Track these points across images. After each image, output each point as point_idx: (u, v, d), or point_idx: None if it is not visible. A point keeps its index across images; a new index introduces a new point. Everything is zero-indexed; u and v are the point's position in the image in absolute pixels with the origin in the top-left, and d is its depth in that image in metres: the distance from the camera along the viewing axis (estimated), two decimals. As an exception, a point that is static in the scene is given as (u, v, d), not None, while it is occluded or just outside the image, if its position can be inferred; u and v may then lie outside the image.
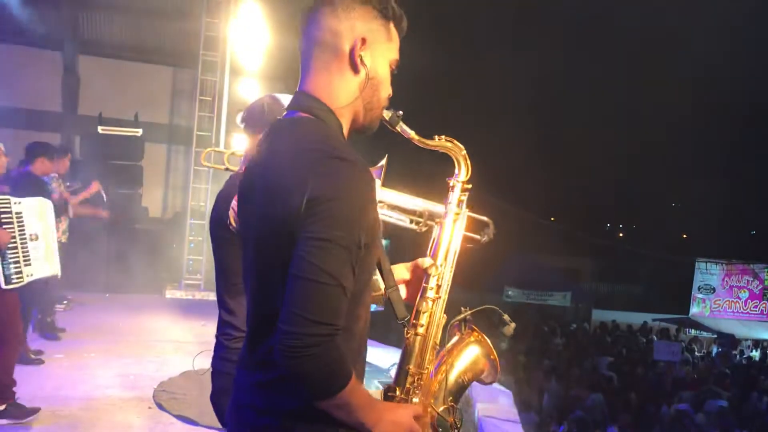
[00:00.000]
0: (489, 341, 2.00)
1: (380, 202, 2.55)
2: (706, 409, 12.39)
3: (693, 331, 22.49)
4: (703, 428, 11.29)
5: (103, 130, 11.43)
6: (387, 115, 1.86)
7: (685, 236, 37.32)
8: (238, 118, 2.74)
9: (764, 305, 22.72)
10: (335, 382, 1.50)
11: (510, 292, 24.48)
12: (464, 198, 2.02)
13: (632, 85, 30.74)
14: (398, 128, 1.91)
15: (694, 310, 22.92)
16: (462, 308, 2.02)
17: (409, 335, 1.87)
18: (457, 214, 2.00)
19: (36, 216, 5.01)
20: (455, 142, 2.02)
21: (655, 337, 20.55)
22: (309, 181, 1.50)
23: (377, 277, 1.83)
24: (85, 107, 12.92)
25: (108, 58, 13.28)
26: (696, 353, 19.60)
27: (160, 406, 5.19)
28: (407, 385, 1.82)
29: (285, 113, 1.74)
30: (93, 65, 13.11)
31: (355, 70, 1.69)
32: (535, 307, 24.26)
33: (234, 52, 11.74)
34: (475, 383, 2.06)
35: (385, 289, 1.84)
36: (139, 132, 11.68)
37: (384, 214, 2.68)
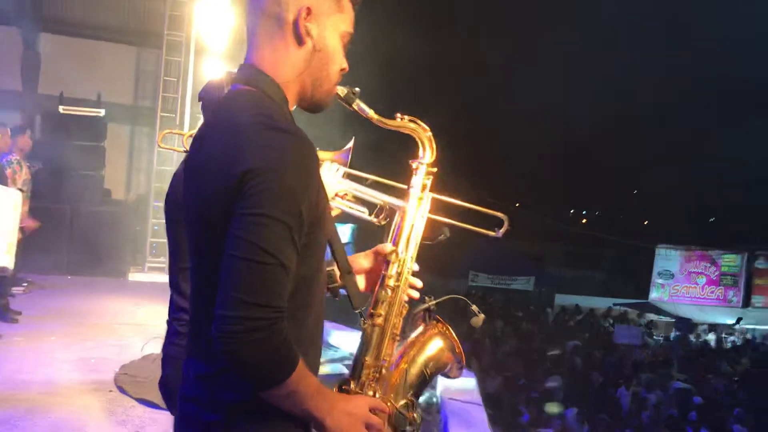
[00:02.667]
0: (453, 333, 1.91)
1: (340, 193, 2.51)
2: (664, 391, 12.71)
3: (652, 316, 22.99)
4: (660, 409, 11.59)
5: (64, 110, 11.21)
6: (342, 92, 1.77)
7: (646, 223, 38.02)
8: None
9: (721, 291, 23.33)
10: (280, 369, 1.40)
11: (475, 277, 24.72)
12: (428, 182, 1.91)
13: (595, 73, 31.05)
14: (355, 106, 1.82)
15: (654, 295, 23.44)
16: (426, 297, 1.92)
17: (366, 325, 1.76)
18: (420, 198, 1.89)
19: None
20: (419, 122, 1.90)
21: (611, 321, 20.94)
22: (246, 153, 1.39)
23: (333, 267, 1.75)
24: (46, 86, 12.62)
25: (70, 37, 12.97)
26: (655, 337, 20.07)
27: (122, 390, 5.15)
28: (362, 378, 1.72)
29: (230, 87, 1.62)
30: (54, 43, 12.80)
31: (300, 41, 1.58)
32: (500, 291, 24.55)
33: (199, 32, 11.56)
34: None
35: (342, 274, 1.74)
36: (102, 112, 11.48)
37: (344, 204, 2.63)
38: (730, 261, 23.54)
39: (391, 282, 1.80)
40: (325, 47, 1.61)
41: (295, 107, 1.65)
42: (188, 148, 1.64)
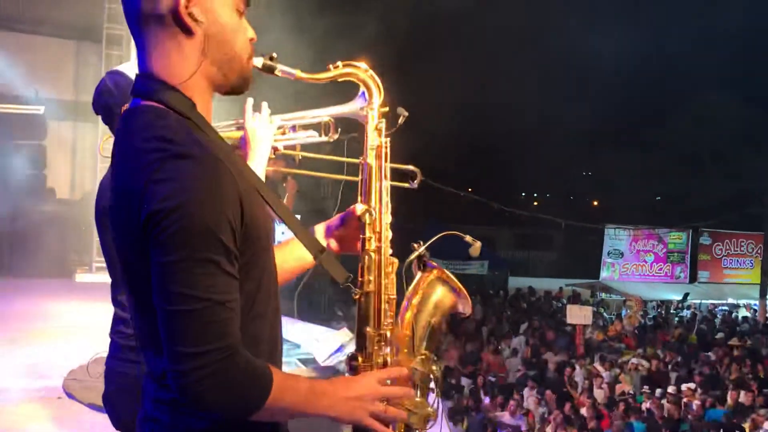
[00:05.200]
0: (450, 273, 1.85)
1: (280, 127, 2.32)
2: (617, 367, 13.01)
3: (603, 295, 23.48)
4: (613, 386, 11.87)
5: (1, 108, 10.86)
6: (259, 63, 1.63)
7: (595, 203, 38.78)
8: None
9: (668, 267, 23.96)
10: (253, 397, 1.35)
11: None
12: (382, 126, 1.77)
13: (545, 56, 31.44)
14: (278, 72, 1.69)
15: (605, 274, 23.93)
16: (414, 244, 1.84)
17: (358, 296, 1.69)
18: (379, 146, 1.76)
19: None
20: (354, 63, 1.75)
21: (563, 302, 21.34)
22: (146, 192, 1.28)
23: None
24: (-21, 83, 12.21)
25: (5, 31, 12.55)
26: (605, 315, 20.53)
27: (71, 395, 5.02)
28: (369, 350, 1.66)
29: (130, 102, 1.47)
30: (-12, 38, 12.38)
31: (188, 32, 1.41)
32: (454, 276, 24.74)
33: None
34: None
35: (315, 255, 1.65)
36: (41, 109, 11.15)
37: (286, 139, 2.38)
38: (677, 238, 24.18)
39: (372, 244, 1.71)
40: (219, 27, 1.44)
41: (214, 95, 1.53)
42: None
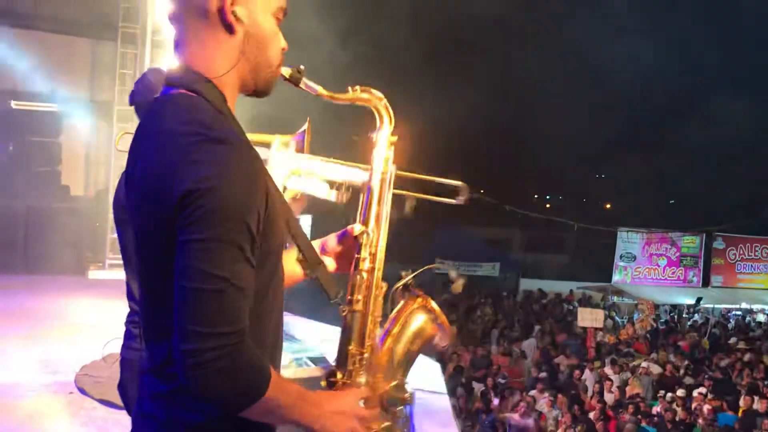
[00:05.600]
0: (435, 304, 1.85)
1: (295, 172, 2.35)
2: (628, 371, 12.93)
3: (615, 298, 23.32)
4: (623, 389, 11.80)
5: (17, 105, 10.96)
6: (286, 72, 1.66)
7: (608, 206, 38.59)
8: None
9: (681, 271, 23.77)
10: (253, 388, 1.35)
11: (441, 264, 24.81)
12: (391, 153, 1.81)
13: (558, 62, 31.39)
14: (302, 85, 1.72)
15: (617, 277, 23.75)
16: (402, 273, 1.86)
17: (345, 313, 1.70)
18: (384, 173, 1.80)
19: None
20: (372, 91, 1.80)
21: (575, 305, 21.22)
22: (181, 172, 1.31)
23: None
24: (-3, 81, 12.33)
25: (22, 29, 12.65)
26: (617, 318, 20.40)
27: (83, 391, 5.06)
28: (349, 367, 1.67)
29: (161, 90, 1.51)
30: (5, 37, 12.47)
31: (230, 30, 1.47)
32: (464, 278, 24.69)
33: (156, 24, 11.36)
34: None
35: (311, 268, 1.69)
36: (56, 107, 11.24)
37: (299, 183, 2.48)
38: (690, 242, 23.99)
39: (366, 264, 1.73)
40: (258, 30, 1.50)
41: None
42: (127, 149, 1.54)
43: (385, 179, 1.79)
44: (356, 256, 1.75)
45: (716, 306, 22.86)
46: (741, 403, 10.79)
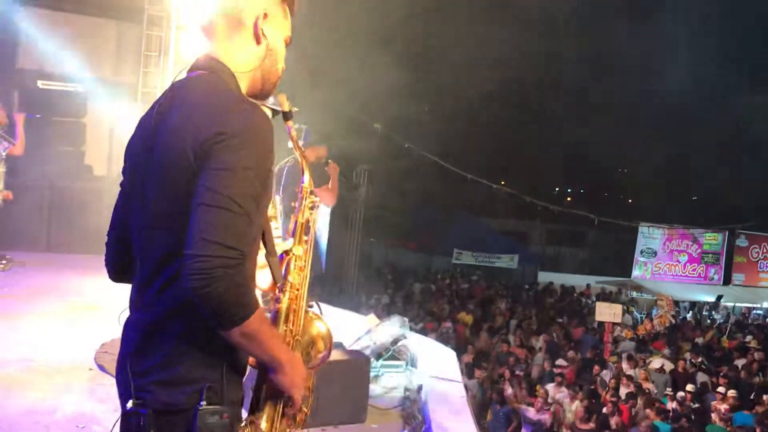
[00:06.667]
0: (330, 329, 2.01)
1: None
2: (645, 367, 12.86)
3: (634, 293, 23.19)
4: (641, 385, 11.74)
5: (43, 84, 11.05)
6: (287, 106, 1.93)
7: (630, 201, 38.25)
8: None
9: (702, 268, 23.56)
10: (242, 307, 1.52)
11: (459, 255, 24.81)
12: (314, 207, 2.04)
13: (583, 57, 31.09)
14: (289, 123, 1.98)
15: (636, 273, 23.61)
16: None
17: (283, 298, 1.87)
18: (307, 218, 2.01)
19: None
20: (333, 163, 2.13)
21: (593, 299, 21.11)
22: (221, 116, 1.57)
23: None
24: (25, 61, 12.42)
25: (49, 10, 12.74)
26: (636, 314, 20.28)
27: (102, 368, 5.13)
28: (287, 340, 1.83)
29: (187, 73, 1.81)
30: (33, 17, 12.56)
31: (258, 41, 1.81)
32: (483, 269, 24.67)
33: (180, 7, 11.39)
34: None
35: (266, 254, 1.84)
36: (82, 87, 11.32)
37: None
38: (712, 239, 23.75)
39: (301, 262, 1.93)
40: (275, 47, 1.86)
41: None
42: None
43: (306, 222, 2.00)
44: (292, 254, 1.94)
45: (737, 304, 22.65)
46: (765, 399, 10.68)
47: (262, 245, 1.85)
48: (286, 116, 1.96)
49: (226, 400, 1.63)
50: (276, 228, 2.07)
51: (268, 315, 1.85)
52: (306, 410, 1.84)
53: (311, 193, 2.06)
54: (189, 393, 1.61)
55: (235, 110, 1.59)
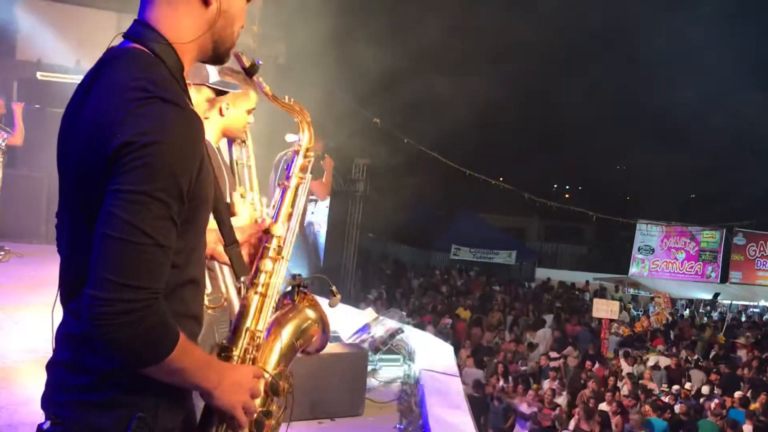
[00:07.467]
0: (321, 307, 1.97)
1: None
2: (641, 364, 12.90)
3: (631, 291, 23.21)
4: (637, 382, 11.78)
5: (42, 76, 11.03)
6: (248, 62, 1.76)
7: (628, 198, 38.27)
8: None
9: (699, 266, 23.57)
10: (157, 349, 1.36)
11: (457, 251, 24.80)
12: (308, 164, 1.96)
13: (581, 51, 31.08)
14: (255, 78, 1.84)
15: (634, 270, 23.62)
16: (295, 275, 1.98)
17: (249, 294, 1.77)
18: (302, 178, 1.95)
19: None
20: (303, 109, 1.97)
21: (588, 295, 21.15)
22: (124, 123, 1.32)
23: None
24: (23, 52, 12.39)
25: (48, 1, 12.71)
26: (633, 311, 20.32)
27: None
28: (245, 345, 1.70)
29: (119, 42, 1.53)
30: (31, 8, 12.53)
31: (207, 3, 1.51)
32: (481, 265, 24.70)
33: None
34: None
35: (225, 246, 1.75)
36: (80, 79, 11.30)
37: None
38: (710, 237, 23.75)
39: (273, 254, 1.82)
40: (230, 8, 1.55)
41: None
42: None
43: (300, 184, 1.94)
44: (265, 244, 1.83)
45: (734, 302, 22.69)
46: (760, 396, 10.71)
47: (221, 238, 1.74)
48: (249, 72, 1.79)
49: (157, 430, 1.46)
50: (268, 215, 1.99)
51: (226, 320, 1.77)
52: (272, 421, 1.68)
53: (308, 150, 1.96)
54: (115, 419, 1.42)
55: (143, 111, 1.33)
